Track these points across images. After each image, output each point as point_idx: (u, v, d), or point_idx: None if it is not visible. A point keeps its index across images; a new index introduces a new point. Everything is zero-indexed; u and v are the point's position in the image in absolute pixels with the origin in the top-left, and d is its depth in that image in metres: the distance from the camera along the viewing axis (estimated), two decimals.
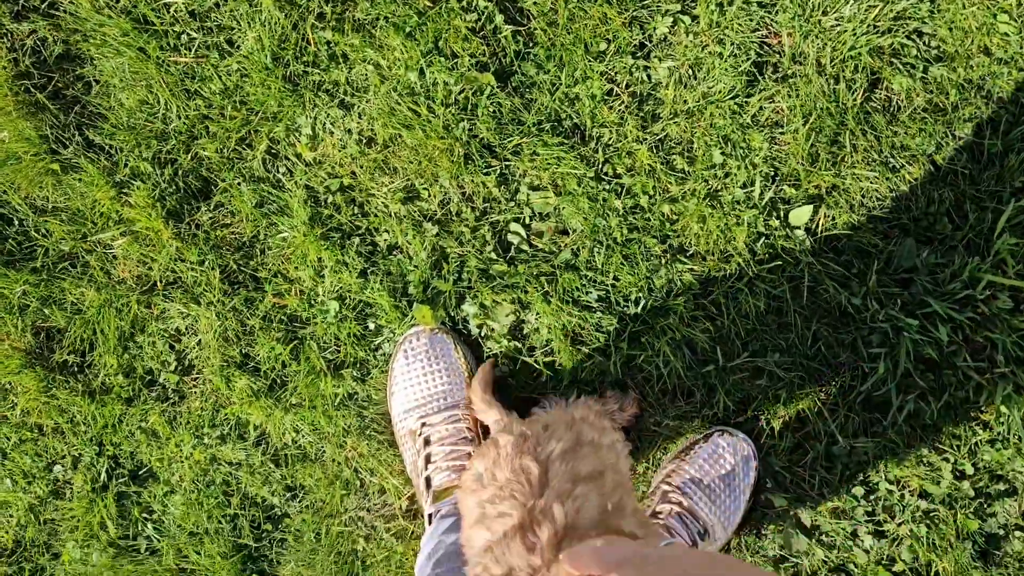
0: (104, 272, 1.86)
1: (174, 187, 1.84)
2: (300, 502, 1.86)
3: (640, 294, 1.73)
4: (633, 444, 1.76)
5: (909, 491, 1.71)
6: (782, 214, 1.70)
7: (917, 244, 1.67)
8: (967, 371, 1.64)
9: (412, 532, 1.82)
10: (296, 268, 1.81)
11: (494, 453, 1.24)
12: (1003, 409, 1.66)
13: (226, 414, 1.85)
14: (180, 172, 1.84)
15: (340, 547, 1.84)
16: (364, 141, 1.80)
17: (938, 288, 1.65)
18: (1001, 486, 1.70)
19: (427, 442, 1.68)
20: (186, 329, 1.86)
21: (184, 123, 1.83)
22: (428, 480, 1.65)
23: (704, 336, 1.72)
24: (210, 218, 1.84)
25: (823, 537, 1.74)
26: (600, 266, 1.74)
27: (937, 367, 1.67)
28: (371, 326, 1.80)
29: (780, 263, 1.69)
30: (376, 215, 1.79)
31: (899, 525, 1.72)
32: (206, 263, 1.83)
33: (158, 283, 1.85)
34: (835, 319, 1.70)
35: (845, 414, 1.70)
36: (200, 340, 1.85)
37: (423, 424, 1.69)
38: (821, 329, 1.69)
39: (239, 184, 1.82)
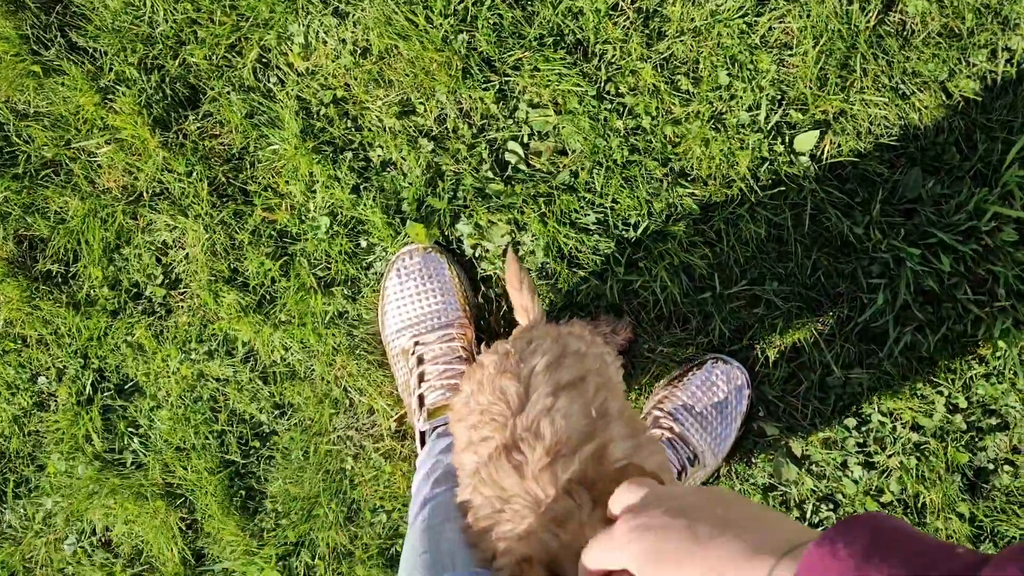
0: (88, 181, 1.81)
1: (161, 94, 1.77)
2: (288, 420, 1.84)
3: (639, 218, 1.69)
4: (627, 371, 1.74)
5: (901, 423, 1.71)
6: (787, 139, 1.66)
7: (923, 174, 1.63)
8: (967, 304, 1.62)
9: (400, 453, 1.81)
10: (287, 182, 1.77)
11: (479, 375, 1.21)
12: (1001, 343, 1.65)
13: (214, 330, 1.82)
14: (167, 79, 1.78)
15: (328, 465, 1.83)
16: (359, 52, 1.73)
17: (942, 219, 1.62)
18: (993, 420, 1.69)
19: (420, 360, 1.65)
20: (173, 242, 1.82)
21: (171, 27, 1.76)
22: (421, 398, 1.63)
23: (702, 262, 1.69)
24: (198, 128, 1.78)
25: (813, 467, 1.74)
26: (599, 188, 1.69)
27: (936, 300, 1.65)
28: (363, 244, 1.76)
29: (783, 190, 1.66)
30: (370, 129, 1.74)
31: (889, 457, 1.71)
32: (194, 174, 1.77)
33: (144, 194, 1.80)
34: (836, 249, 1.67)
35: (841, 345, 1.68)
36: (187, 254, 1.81)
37: (416, 343, 1.66)
38: (821, 258, 1.67)
39: (228, 93, 1.76)
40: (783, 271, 1.68)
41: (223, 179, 1.78)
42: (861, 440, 1.72)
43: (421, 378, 1.65)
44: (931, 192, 1.62)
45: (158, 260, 1.82)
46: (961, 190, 1.61)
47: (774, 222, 1.67)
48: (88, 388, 1.86)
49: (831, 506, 1.73)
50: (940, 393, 1.69)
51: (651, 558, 0.71)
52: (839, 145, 1.65)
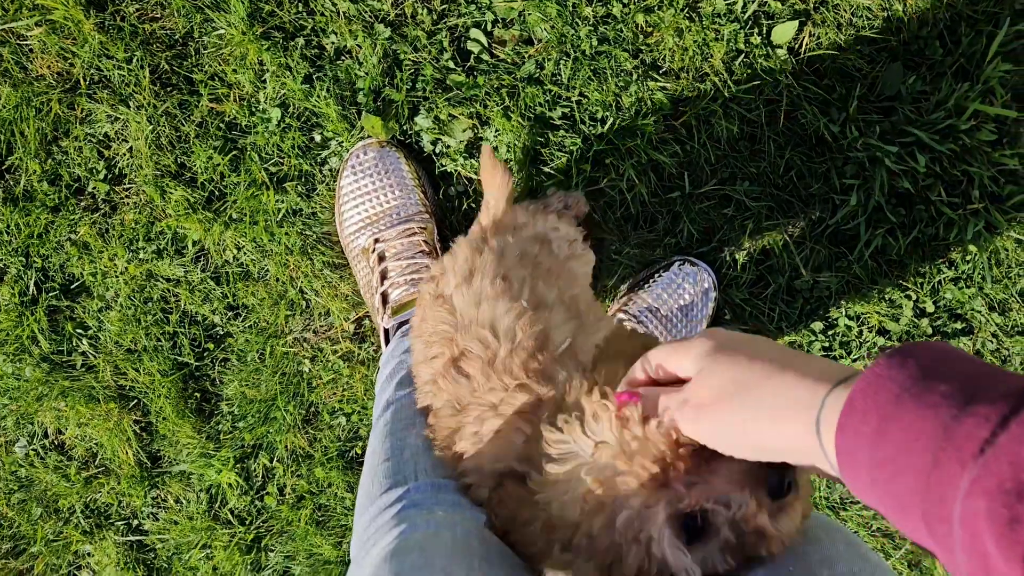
0: (20, 67, 1.69)
1: None
2: (243, 321, 1.78)
3: (607, 113, 1.61)
4: (595, 265, 1.69)
5: (868, 327, 1.69)
6: (765, 30, 1.57)
7: (904, 69, 1.56)
8: (940, 206, 1.58)
9: (358, 356, 1.77)
10: (235, 71, 1.66)
11: (425, 301, 1.25)
12: (972, 247, 1.61)
13: (162, 228, 1.73)
14: None
15: (285, 368, 1.78)
16: None
17: (921, 117, 1.55)
18: (959, 325, 1.68)
19: (381, 258, 1.59)
20: (115, 134, 1.71)
21: None
22: (385, 296, 1.58)
23: (672, 161, 1.62)
24: (137, 9, 1.65)
25: None
26: (566, 80, 1.61)
27: (910, 202, 1.60)
28: (317, 137, 1.67)
29: (758, 84, 1.58)
30: (323, 14, 1.62)
31: (854, 361, 1.70)
32: (134, 61, 1.66)
33: (81, 81, 1.68)
34: (810, 147, 1.61)
35: (811, 247, 1.64)
36: (131, 147, 1.70)
37: (376, 241, 1.60)
38: (795, 158, 1.61)
39: None
40: (755, 170, 1.62)
41: (166, 67, 1.67)
42: (827, 344, 1.70)
43: (383, 276, 1.59)
44: (911, 88, 1.55)
45: (100, 153, 1.72)
46: (941, 86, 1.54)
47: (747, 119, 1.60)
48: (32, 288, 1.78)
49: None
50: (908, 297, 1.66)
51: (730, 376, 0.74)
52: (818, 38, 1.57)
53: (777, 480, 0.78)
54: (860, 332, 1.69)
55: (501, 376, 1.04)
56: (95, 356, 1.81)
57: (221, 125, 1.68)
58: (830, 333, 1.70)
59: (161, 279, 1.76)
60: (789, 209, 1.64)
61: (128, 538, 1.87)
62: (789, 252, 1.65)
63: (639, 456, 0.81)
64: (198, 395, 1.82)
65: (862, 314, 1.68)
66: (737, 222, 1.65)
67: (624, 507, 0.81)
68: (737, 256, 1.67)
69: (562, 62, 1.60)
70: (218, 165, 1.68)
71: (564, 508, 0.87)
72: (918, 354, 0.60)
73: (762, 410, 0.71)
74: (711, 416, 0.75)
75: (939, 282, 1.65)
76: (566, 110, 1.62)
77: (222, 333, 1.80)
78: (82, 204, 1.75)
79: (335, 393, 1.79)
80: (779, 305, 1.68)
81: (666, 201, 1.65)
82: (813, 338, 1.69)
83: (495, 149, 1.63)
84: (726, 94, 1.59)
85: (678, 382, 0.83)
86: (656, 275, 1.67)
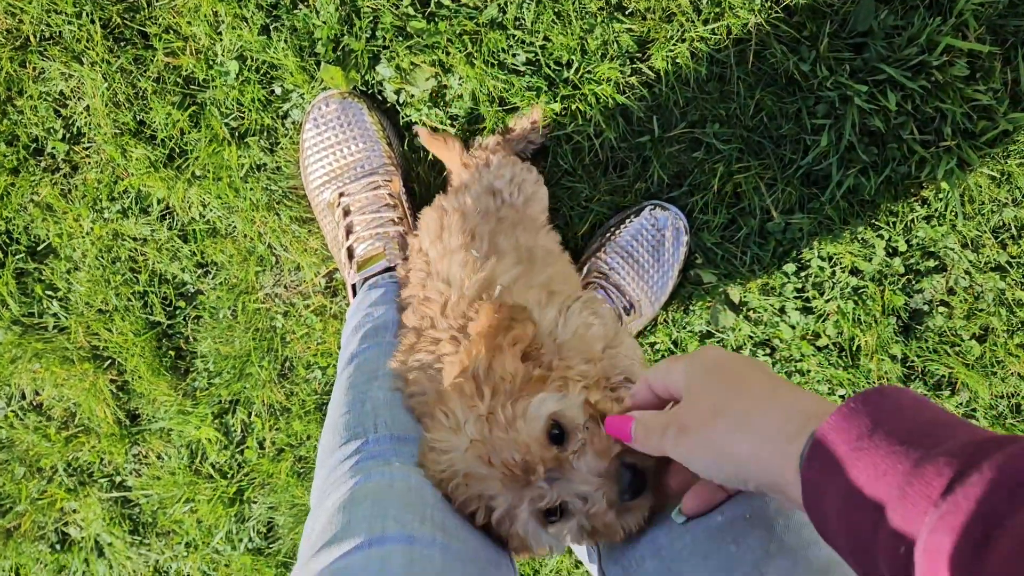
0: None
1: None
2: (213, 279, 1.77)
3: (572, 57, 1.57)
4: (562, 220, 1.67)
5: (840, 268, 1.68)
6: None
7: (876, 3, 1.52)
8: (912, 144, 1.56)
9: (331, 310, 1.76)
10: (189, 23, 1.61)
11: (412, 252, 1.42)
12: (944, 185, 1.60)
13: (125, 187, 1.71)
14: None
15: (258, 324, 1.77)
16: None
17: (892, 54, 1.52)
18: (931, 263, 1.67)
19: (347, 212, 1.57)
20: (71, 92, 1.67)
21: None
22: (350, 251, 1.56)
23: (640, 105, 1.59)
24: None
25: (750, 313, 1.72)
26: (529, 24, 1.56)
27: (881, 141, 1.58)
28: (277, 90, 1.63)
29: (726, 23, 1.54)
30: None
31: (827, 302, 1.70)
32: (84, 15, 1.60)
33: (31, 38, 1.63)
34: (780, 88, 1.58)
35: (783, 189, 1.62)
36: (87, 105, 1.66)
37: (341, 195, 1.58)
38: (765, 98, 1.57)
39: None
40: (725, 112, 1.59)
41: (118, 21, 1.62)
42: (799, 286, 1.70)
43: (349, 230, 1.57)
44: (883, 24, 1.51)
45: (56, 112, 1.68)
46: (914, 21, 1.50)
47: (716, 60, 1.57)
48: None
49: (768, 351, 1.73)
50: (880, 237, 1.65)
51: (714, 401, 0.75)
52: None
53: (631, 480, 0.88)
54: (833, 272, 1.68)
55: (450, 320, 1.19)
56: (66, 317, 1.80)
57: (178, 80, 1.64)
58: (803, 274, 1.69)
59: (128, 238, 1.75)
60: (760, 151, 1.61)
61: (112, 494, 1.90)
62: (760, 194, 1.63)
63: (504, 454, 0.91)
64: (172, 353, 1.82)
65: (835, 255, 1.67)
66: (708, 165, 1.62)
67: (494, 506, 0.94)
68: (708, 199, 1.65)
69: (525, 5, 1.55)
70: (178, 121, 1.64)
71: (455, 488, 0.97)
72: (885, 395, 0.63)
73: (746, 440, 0.71)
74: (692, 440, 0.76)
75: (912, 221, 1.64)
76: (530, 55, 1.58)
77: (193, 291, 1.79)
78: (42, 165, 1.72)
79: (309, 347, 1.79)
80: (751, 248, 1.67)
81: (635, 146, 1.62)
82: (786, 280, 1.69)
83: (434, 130, 1.62)
84: (693, 35, 1.55)
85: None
86: (627, 221, 1.65)
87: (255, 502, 1.88)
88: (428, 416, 1.07)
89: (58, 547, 1.94)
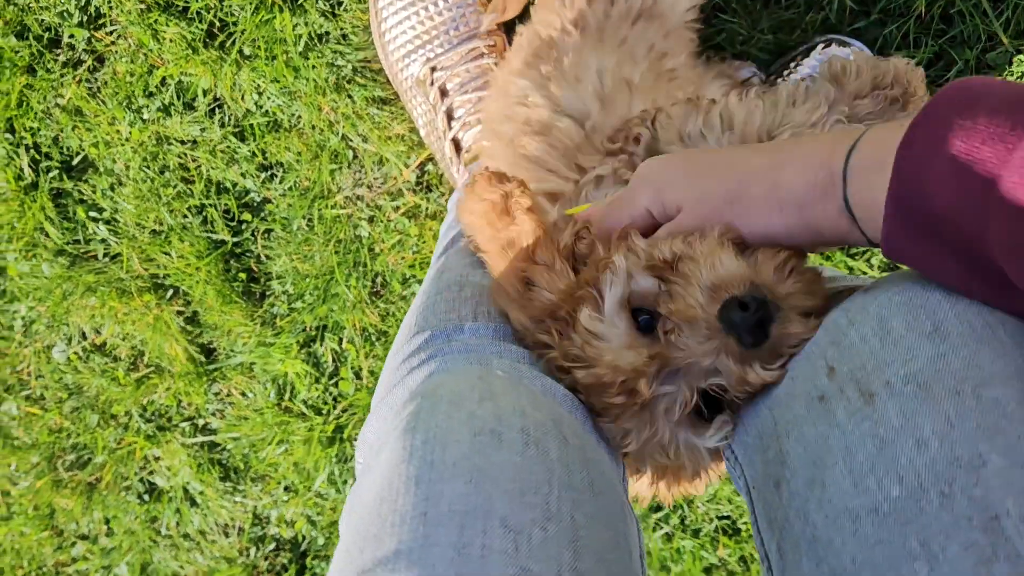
0: None
1: None
2: (281, 183, 1.46)
3: None
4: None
5: None
6: None
7: None
8: None
9: (426, 209, 1.44)
10: None
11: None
12: None
13: (162, 76, 1.38)
14: None
15: (339, 234, 1.47)
16: None
17: None
18: None
19: (444, 93, 1.23)
20: None
21: None
22: (456, 142, 1.23)
23: None
24: None
25: None
26: None
27: None
28: None
29: None
30: None
31: None
32: None
33: None
34: None
35: (1015, 4, 1.20)
36: None
37: (433, 69, 1.22)
38: None
39: None
40: None
41: None
42: None
43: (450, 115, 1.23)
44: None
45: None
46: None
47: None
48: (27, 170, 1.48)
49: None
50: None
51: (732, 179, 0.70)
52: None
53: (743, 319, 0.65)
54: None
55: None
56: (117, 243, 1.52)
57: None
58: None
59: (175, 142, 1.44)
60: None
61: (196, 439, 1.67)
62: (982, 14, 1.21)
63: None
64: (243, 276, 1.53)
65: None
66: None
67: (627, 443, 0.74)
68: (908, 29, 1.24)
69: None
70: None
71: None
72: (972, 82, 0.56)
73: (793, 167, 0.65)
74: (744, 204, 0.68)
75: None
76: None
77: (258, 200, 1.48)
78: (60, 59, 1.40)
79: (403, 258, 1.48)
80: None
81: None
82: None
83: None
84: None
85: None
86: (792, 65, 1.27)
87: (357, 439, 1.62)
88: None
89: (146, 497, 1.74)
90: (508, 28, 1.27)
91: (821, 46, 1.25)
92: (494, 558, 0.52)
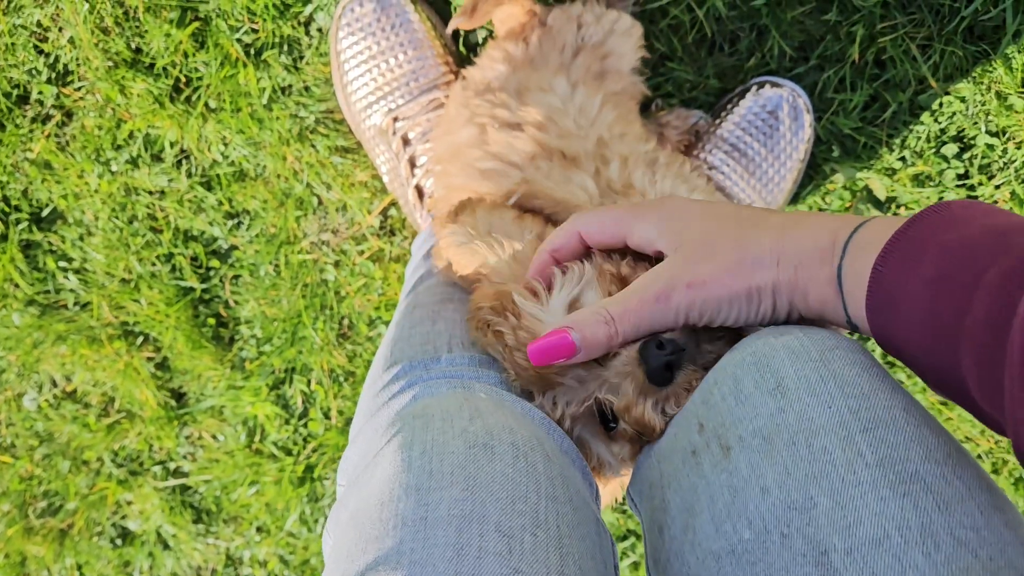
0: None
1: None
2: (248, 230, 1.49)
3: None
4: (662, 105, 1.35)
5: (1015, 143, 1.33)
6: None
7: None
8: None
9: (390, 253, 1.48)
10: None
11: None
12: None
13: (130, 130, 1.42)
14: None
15: (306, 278, 1.50)
16: None
17: None
18: None
19: (406, 142, 1.27)
20: (50, 21, 1.37)
21: None
22: (419, 189, 1.27)
23: None
24: None
25: (900, 210, 1.40)
26: None
27: None
28: None
29: None
30: None
31: (997, 187, 1.36)
32: None
33: None
34: None
35: (940, 50, 1.27)
36: (71, 36, 1.37)
37: (395, 119, 1.27)
38: None
39: None
40: None
41: None
42: (962, 170, 1.36)
43: (413, 163, 1.28)
44: None
45: (37, 49, 1.39)
46: None
47: None
48: None
49: None
50: None
51: (732, 224, 0.72)
52: None
53: (657, 358, 0.72)
54: (1005, 151, 1.34)
55: None
56: (86, 291, 1.55)
57: None
58: (966, 156, 1.35)
59: (143, 192, 1.47)
60: (909, 3, 1.26)
61: (168, 483, 1.68)
62: (912, 60, 1.29)
63: None
64: (212, 321, 1.56)
65: (1008, 128, 1.32)
66: (843, 29, 1.28)
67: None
68: (844, 74, 1.31)
69: None
70: (179, 43, 1.34)
71: None
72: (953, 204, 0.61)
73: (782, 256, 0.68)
74: (710, 288, 0.69)
75: None
76: None
77: (226, 247, 1.52)
78: (29, 114, 1.44)
79: (369, 300, 1.52)
80: (900, 130, 1.33)
81: (748, 13, 1.28)
82: (945, 165, 1.35)
83: None
84: None
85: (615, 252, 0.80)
86: (729, 107, 1.33)
87: (327, 479, 1.65)
88: None
89: (119, 542, 1.74)
90: None
91: (755, 87, 1.32)
92: (489, 559, 0.57)
